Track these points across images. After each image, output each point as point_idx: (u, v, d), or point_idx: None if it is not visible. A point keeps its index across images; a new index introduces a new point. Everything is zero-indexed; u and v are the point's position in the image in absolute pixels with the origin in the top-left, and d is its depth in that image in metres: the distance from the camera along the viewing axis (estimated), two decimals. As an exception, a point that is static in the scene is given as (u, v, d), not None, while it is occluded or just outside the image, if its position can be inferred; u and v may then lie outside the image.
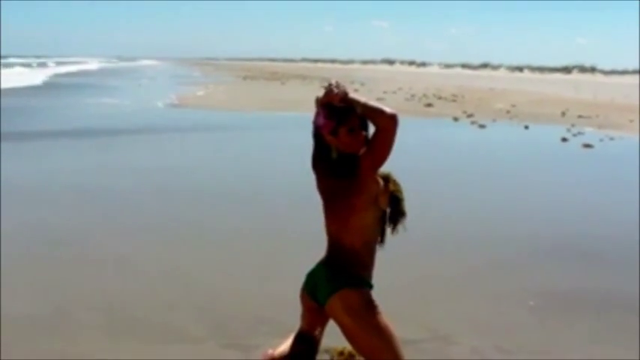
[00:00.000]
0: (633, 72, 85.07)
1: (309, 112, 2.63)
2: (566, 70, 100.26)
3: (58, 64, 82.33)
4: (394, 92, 31.33)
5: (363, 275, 2.58)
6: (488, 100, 27.71)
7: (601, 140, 14.42)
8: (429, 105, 24.10)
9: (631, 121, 19.24)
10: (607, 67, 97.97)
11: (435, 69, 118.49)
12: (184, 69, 78.70)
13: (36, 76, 42.02)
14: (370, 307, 2.52)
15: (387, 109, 2.42)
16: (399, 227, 2.65)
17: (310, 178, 2.64)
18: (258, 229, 6.39)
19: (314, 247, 2.85)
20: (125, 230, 6.32)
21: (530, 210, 7.71)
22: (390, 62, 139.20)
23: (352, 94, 2.48)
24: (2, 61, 71.06)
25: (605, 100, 30.01)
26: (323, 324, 2.75)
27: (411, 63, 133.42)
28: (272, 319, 4.11)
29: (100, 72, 62.61)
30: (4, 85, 28.49)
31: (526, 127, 17.19)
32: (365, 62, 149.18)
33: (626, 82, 65.35)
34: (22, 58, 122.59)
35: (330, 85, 2.50)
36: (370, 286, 2.60)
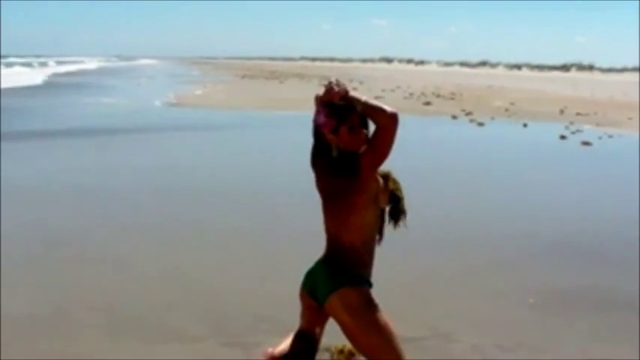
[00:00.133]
0: (632, 70, 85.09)
1: (308, 111, 2.63)
2: (565, 68, 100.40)
3: (58, 63, 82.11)
4: (392, 90, 31.30)
5: (363, 274, 2.58)
6: (486, 98, 27.69)
7: (600, 138, 14.42)
8: (428, 103, 24.08)
9: (629, 118, 19.26)
10: (605, 65, 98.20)
11: (433, 67, 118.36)
12: (183, 68, 78.65)
13: (36, 76, 41.97)
14: (370, 305, 2.53)
15: (388, 108, 2.42)
16: (400, 225, 2.66)
17: (309, 177, 2.64)
18: (258, 228, 6.39)
19: (313, 245, 2.85)
20: (125, 230, 6.32)
21: (530, 208, 7.71)
22: (389, 60, 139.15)
23: (352, 93, 2.48)
24: (2, 60, 70.88)
25: (604, 97, 30.03)
26: (323, 322, 2.75)
27: (410, 61, 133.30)
28: (272, 318, 4.12)
29: (99, 71, 62.53)
30: (4, 85, 28.40)
31: (525, 125, 17.19)
32: (364, 60, 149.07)
33: (625, 79, 65.37)
34: (22, 57, 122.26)
35: (330, 83, 2.49)
36: (370, 285, 2.61)
